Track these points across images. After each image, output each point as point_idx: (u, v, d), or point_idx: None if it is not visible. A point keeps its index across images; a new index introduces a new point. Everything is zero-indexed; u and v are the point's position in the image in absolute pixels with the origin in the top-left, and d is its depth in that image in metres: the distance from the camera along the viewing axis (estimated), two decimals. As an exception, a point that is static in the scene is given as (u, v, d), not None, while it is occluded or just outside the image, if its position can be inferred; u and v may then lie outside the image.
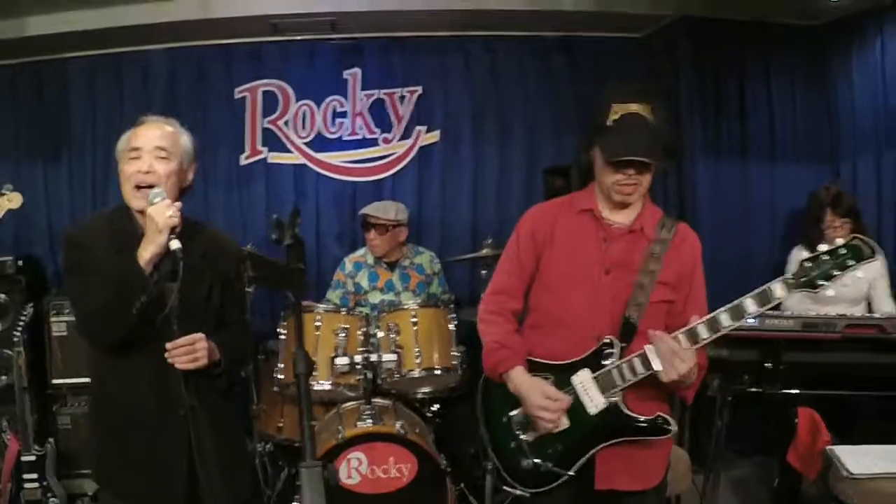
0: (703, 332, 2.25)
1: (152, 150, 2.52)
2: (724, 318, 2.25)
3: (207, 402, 2.57)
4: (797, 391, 3.73)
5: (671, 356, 2.23)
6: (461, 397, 4.48)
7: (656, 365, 2.26)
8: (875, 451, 3.16)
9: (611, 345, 2.37)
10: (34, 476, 4.28)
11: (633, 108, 2.36)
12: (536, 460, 2.44)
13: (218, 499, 2.63)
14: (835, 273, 2.21)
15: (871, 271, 4.20)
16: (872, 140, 4.92)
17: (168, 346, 2.43)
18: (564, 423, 2.38)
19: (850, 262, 2.21)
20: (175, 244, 2.38)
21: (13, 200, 3.70)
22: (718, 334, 2.26)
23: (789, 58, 5.36)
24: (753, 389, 3.79)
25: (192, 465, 2.55)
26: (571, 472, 2.39)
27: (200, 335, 2.48)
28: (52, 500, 4.32)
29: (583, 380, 2.38)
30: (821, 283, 2.21)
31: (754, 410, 4.21)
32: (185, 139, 2.65)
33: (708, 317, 2.26)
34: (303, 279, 2.30)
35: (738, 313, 2.24)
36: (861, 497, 3.00)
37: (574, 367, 2.40)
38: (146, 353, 2.48)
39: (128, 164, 2.53)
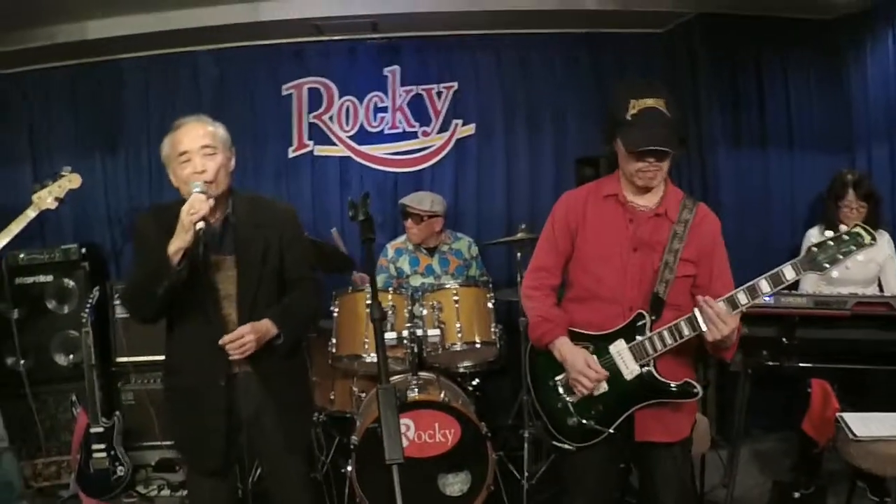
0: (724, 306, 2.53)
1: (199, 150, 2.74)
2: (741, 296, 2.53)
3: (262, 367, 2.82)
4: (811, 365, 3.93)
5: (716, 319, 2.51)
6: (498, 372, 4.75)
7: (703, 326, 2.55)
8: (879, 418, 3.37)
9: (643, 317, 2.66)
10: (102, 446, 4.56)
11: (650, 102, 2.59)
12: (581, 419, 2.74)
13: (270, 456, 2.92)
14: (838, 257, 2.50)
15: (881, 255, 4.43)
16: (886, 129, 5.03)
17: (220, 342, 2.69)
18: (603, 387, 2.68)
19: (852, 248, 2.50)
20: (199, 224, 2.59)
21: (73, 181, 4.01)
22: (738, 310, 2.53)
23: (805, 51, 5.48)
24: (771, 363, 4.00)
25: (236, 428, 2.82)
26: (611, 430, 2.70)
27: (247, 328, 2.72)
28: (119, 468, 4.58)
29: (619, 349, 2.68)
30: (826, 265, 2.51)
31: (778, 389, 4.42)
32: (221, 130, 2.85)
33: (727, 295, 2.54)
34: (371, 247, 2.57)
35: (754, 292, 2.52)
36: (863, 457, 3.25)
37: (611, 338, 2.70)
38: (199, 324, 2.76)
39: (181, 168, 2.75)
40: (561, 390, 2.80)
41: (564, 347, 2.74)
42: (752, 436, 5.05)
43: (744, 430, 4.34)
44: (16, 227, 3.94)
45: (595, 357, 2.69)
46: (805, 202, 5.38)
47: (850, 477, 3.63)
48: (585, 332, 2.77)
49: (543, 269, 2.93)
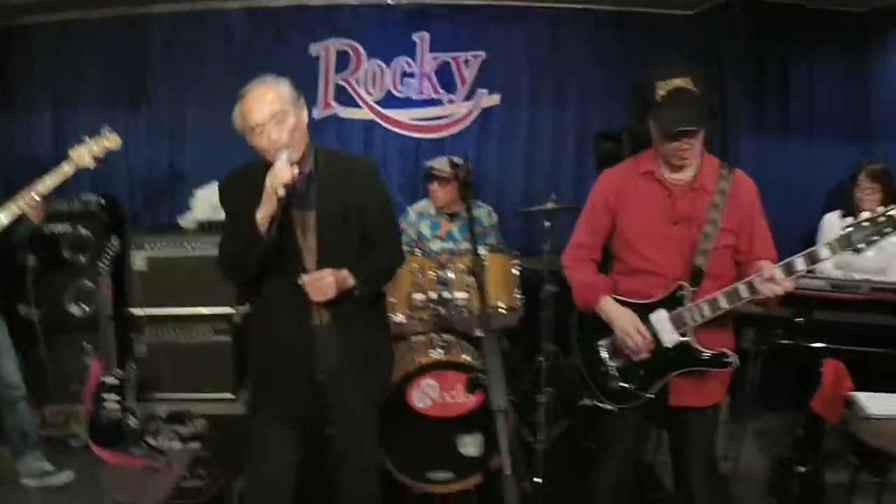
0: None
1: (269, 121, 2.66)
2: (778, 272, 2.56)
3: (341, 317, 2.83)
4: (824, 345, 4.02)
5: (775, 289, 2.55)
6: (513, 338, 4.83)
7: (746, 295, 2.61)
8: (892, 399, 3.41)
9: (683, 288, 2.73)
10: (115, 397, 4.47)
11: (677, 82, 2.63)
12: (622, 383, 2.85)
13: (349, 406, 2.92)
14: (873, 238, 2.50)
15: (893, 245, 4.46)
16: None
17: (299, 282, 2.72)
18: (645, 354, 2.77)
19: (888, 230, 2.49)
20: (280, 191, 2.57)
21: (111, 141, 3.93)
22: (795, 276, 2.56)
23: (829, 42, 5.54)
24: (785, 342, 4.10)
25: (318, 378, 2.85)
26: (650, 395, 2.81)
27: (328, 270, 2.73)
28: (131, 419, 4.51)
29: (659, 318, 2.76)
30: (860, 245, 2.51)
31: (786, 369, 4.47)
32: (286, 88, 2.76)
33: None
34: (470, 204, 2.73)
35: (790, 269, 2.56)
36: (874, 436, 3.28)
37: (652, 307, 2.78)
38: (285, 276, 2.78)
39: (257, 140, 2.70)
40: (604, 355, 2.90)
41: (608, 306, 2.83)
42: (756, 414, 5.14)
43: (750, 407, 4.43)
44: (50, 182, 3.76)
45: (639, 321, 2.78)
46: (823, 191, 5.45)
47: (852, 456, 3.67)
48: (628, 300, 2.84)
49: (583, 246, 3.00)
